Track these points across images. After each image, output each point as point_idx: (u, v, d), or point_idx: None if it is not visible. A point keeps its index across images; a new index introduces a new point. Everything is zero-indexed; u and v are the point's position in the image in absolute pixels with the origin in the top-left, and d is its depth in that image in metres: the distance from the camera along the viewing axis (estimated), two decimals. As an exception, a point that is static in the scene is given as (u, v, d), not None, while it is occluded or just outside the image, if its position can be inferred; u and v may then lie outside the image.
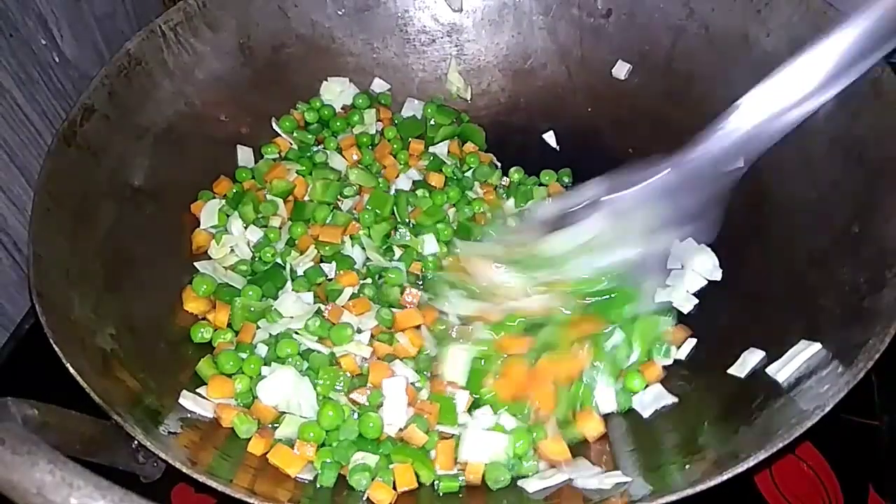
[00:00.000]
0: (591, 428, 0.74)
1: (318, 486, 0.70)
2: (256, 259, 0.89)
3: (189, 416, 0.72)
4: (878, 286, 0.65)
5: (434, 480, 0.71)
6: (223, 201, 0.92)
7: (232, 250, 0.89)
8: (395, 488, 0.69)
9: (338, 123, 1.02)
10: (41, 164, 0.77)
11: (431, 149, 1.02)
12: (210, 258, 0.89)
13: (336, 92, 1.05)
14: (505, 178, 1.02)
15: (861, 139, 0.75)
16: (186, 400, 0.72)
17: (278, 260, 0.88)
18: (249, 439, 0.72)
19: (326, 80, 1.05)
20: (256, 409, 0.74)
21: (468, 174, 1.01)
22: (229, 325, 0.82)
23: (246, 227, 0.90)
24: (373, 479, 0.69)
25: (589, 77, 1.04)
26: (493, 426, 0.72)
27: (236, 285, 0.85)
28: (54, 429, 0.56)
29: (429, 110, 1.05)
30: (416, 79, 1.09)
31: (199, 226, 0.91)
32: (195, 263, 0.87)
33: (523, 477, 0.71)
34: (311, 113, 1.03)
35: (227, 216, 0.91)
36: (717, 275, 0.85)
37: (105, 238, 0.79)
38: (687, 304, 0.83)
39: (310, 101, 1.04)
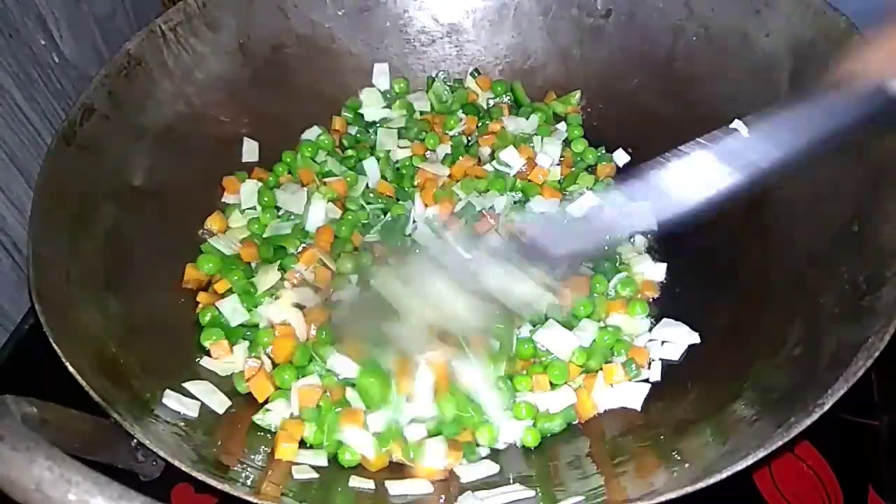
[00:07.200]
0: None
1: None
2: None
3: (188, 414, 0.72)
4: (877, 285, 0.65)
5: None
6: (260, 183, 0.95)
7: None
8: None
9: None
10: (41, 164, 0.77)
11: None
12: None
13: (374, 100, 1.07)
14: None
15: (861, 139, 0.75)
16: (170, 399, 0.70)
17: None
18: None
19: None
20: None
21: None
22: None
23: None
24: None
25: (589, 77, 1.05)
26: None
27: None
28: (53, 427, 0.56)
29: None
30: (417, 79, 1.09)
31: (202, 221, 0.92)
32: (209, 240, 0.89)
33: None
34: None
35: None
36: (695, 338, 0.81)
37: (105, 238, 0.79)
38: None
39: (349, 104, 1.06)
